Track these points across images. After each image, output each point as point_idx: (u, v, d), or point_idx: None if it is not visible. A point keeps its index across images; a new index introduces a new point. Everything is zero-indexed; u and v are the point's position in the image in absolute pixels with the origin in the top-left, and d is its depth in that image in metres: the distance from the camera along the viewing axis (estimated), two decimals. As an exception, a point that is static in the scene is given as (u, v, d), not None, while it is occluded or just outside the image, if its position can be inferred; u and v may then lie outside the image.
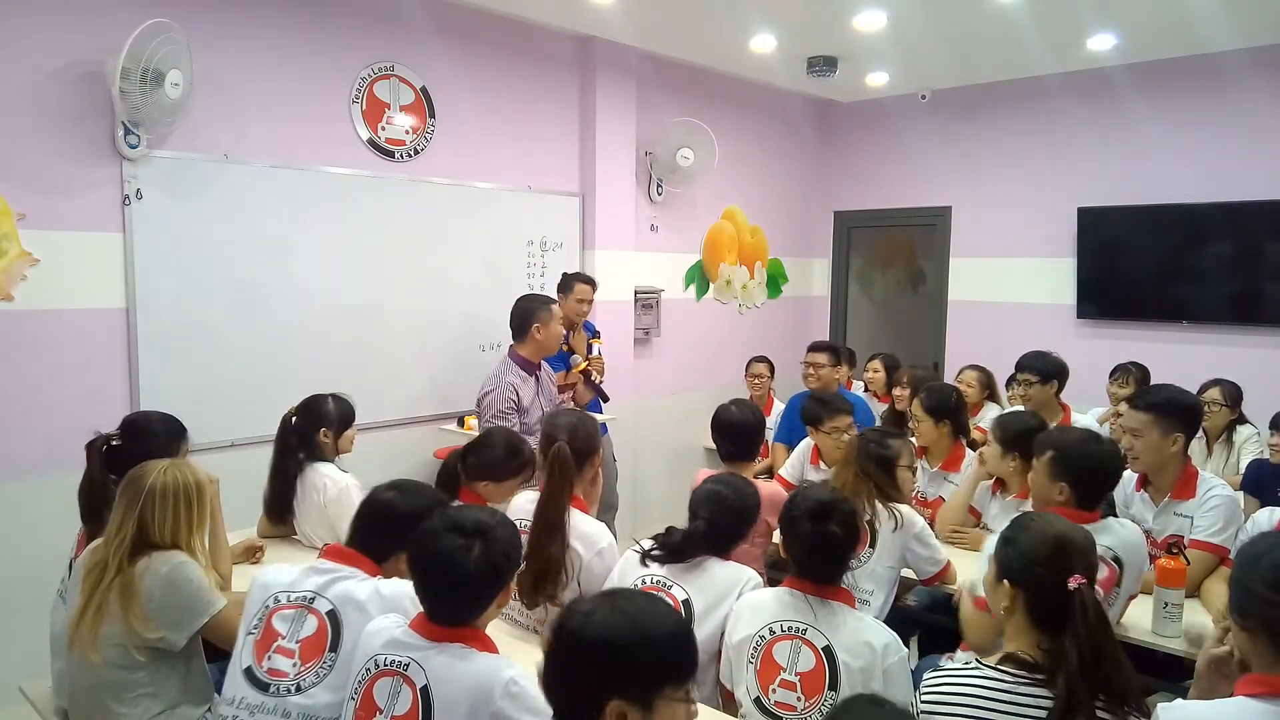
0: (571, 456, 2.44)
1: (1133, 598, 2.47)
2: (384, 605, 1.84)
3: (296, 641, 1.81)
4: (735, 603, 2.15)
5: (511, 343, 3.87)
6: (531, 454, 2.69)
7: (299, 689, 1.77)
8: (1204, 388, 4.03)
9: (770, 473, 4.28)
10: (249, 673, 1.80)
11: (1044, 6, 4.35)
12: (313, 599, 1.85)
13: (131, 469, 2.11)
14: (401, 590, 1.88)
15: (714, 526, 2.27)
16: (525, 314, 3.81)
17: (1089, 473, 2.44)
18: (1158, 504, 2.80)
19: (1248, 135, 5.02)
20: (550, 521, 2.36)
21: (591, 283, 4.53)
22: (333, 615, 1.83)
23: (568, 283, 4.49)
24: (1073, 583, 1.58)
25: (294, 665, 1.79)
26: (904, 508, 2.78)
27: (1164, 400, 2.75)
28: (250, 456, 3.67)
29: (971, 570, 2.87)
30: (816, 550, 2.02)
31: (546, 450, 2.52)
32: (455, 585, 1.66)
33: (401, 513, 1.97)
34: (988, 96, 5.98)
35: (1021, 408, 4.10)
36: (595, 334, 4.64)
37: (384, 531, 1.98)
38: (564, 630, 1.37)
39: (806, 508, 2.05)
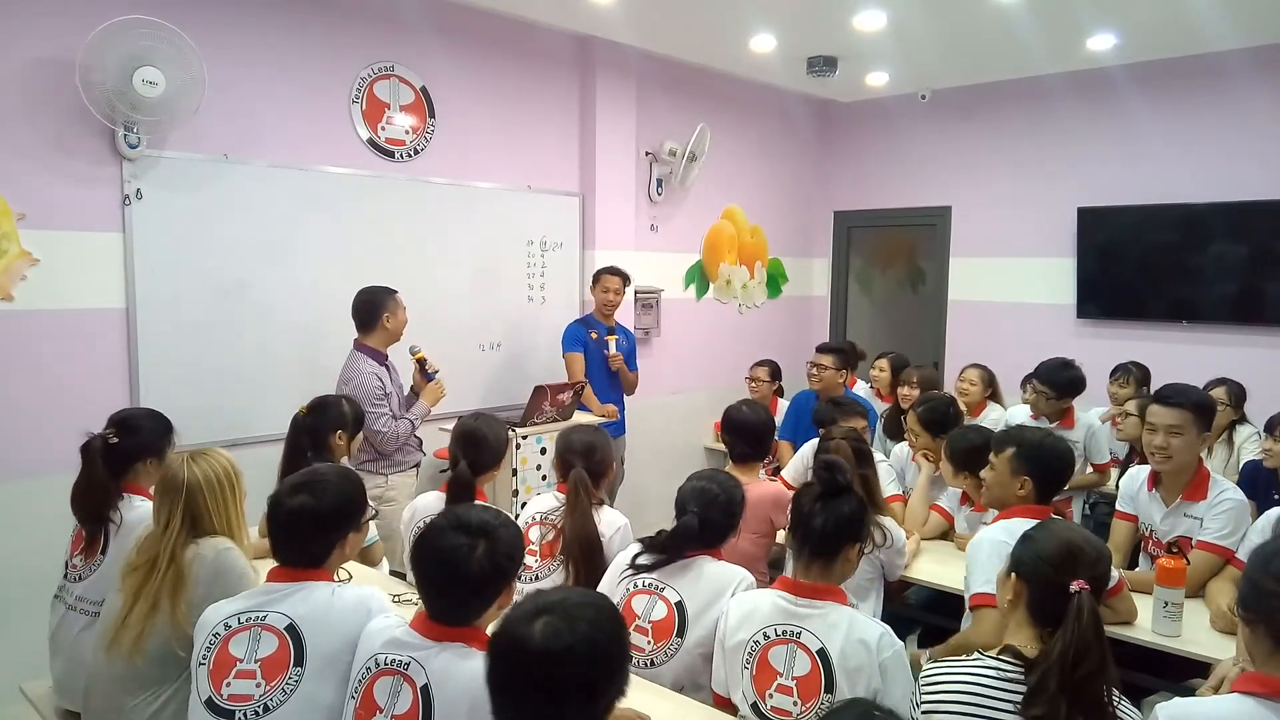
0: (589, 479, 2.68)
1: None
2: (346, 612, 1.80)
3: (256, 661, 1.74)
4: (727, 602, 2.14)
5: (357, 335, 3.67)
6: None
7: (267, 709, 1.71)
8: (1209, 386, 4.02)
9: (778, 470, 4.28)
10: (210, 703, 1.73)
11: (1044, 6, 4.35)
12: (264, 616, 1.78)
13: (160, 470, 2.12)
14: (363, 595, 1.85)
15: (704, 521, 2.28)
16: (373, 304, 3.66)
17: (1050, 466, 2.49)
18: (1168, 504, 2.78)
19: (1248, 135, 5.01)
20: (582, 534, 2.62)
21: (619, 274, 4.73)
22: (292, 630, 1.77)
23: (596, 276, 4.75)
24: (1074, 585, 1.62)
25: (257, 686, 1.73)
26: (889, 522, 2.79)
27: (1202, 400, 2.75)
28: (251, 456, 3.65)
29: (956, 572, 2.91)
30: (827, 523, 1.99)
31: (562, 467, 2.76)
32: (457, 584, 1.66)
33: (324, 512, 1.87)
34: (988, 96, 5.98)
35: (1028, 408, 4.11)
36: (625, 334, 4.89)
37: (312, 537, 1.87)
38: (498, 639, 1.36)
39: (823, 479, 2.04)
